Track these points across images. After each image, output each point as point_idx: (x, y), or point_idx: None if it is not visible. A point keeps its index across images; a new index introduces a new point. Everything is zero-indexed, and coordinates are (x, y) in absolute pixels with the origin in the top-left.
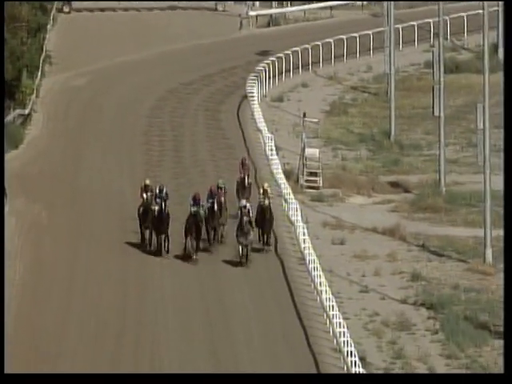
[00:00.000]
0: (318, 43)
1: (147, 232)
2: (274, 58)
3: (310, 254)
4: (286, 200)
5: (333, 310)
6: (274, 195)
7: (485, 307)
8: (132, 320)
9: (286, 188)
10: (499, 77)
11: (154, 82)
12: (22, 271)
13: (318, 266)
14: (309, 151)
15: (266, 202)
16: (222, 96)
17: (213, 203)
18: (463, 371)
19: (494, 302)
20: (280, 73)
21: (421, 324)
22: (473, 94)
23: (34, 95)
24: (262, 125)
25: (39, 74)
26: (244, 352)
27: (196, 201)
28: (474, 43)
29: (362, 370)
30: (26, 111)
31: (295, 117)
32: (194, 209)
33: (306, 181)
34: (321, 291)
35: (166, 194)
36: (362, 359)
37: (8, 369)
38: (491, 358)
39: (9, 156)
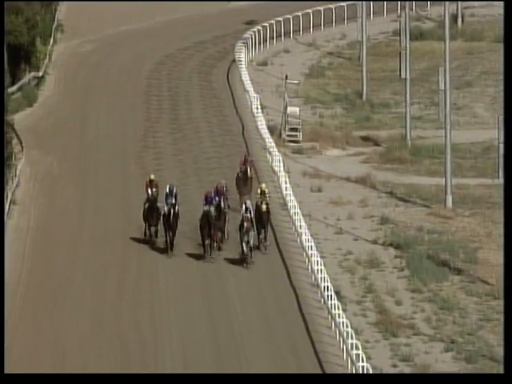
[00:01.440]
0: (299, 14)
1: (152, 229)
2: (259, 27)
3: (291, 201)
4: (269, 152)
5: (311, 249)
6: (272, 195)
7: (445, 247)
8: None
9: (269, 142)
10: (458, 44)
11: (154, 48)
12: (35, 217)
13: (299, 210)
14: (290, 109)
15: (264, 206)
16: (213, 60)
17: (219, 203)
18: (427, 304)
19: (454, 243)
20: (265, 40)
21: (389, 262)
22: (435, 58)
23: (47, 59)
24: (248, 86)
25: (51, 40)
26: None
27: (208, 199)
28: (436, 14)
29: (337, 303)
30: (40, 74)
31: (278, 79)
32: (205, 208)
33: (288, 135)
34: (300, 233)
35: (176, 194)
36: (337, 293)
37: (20, 311)
38: (451, 292)
39: (24, 113)
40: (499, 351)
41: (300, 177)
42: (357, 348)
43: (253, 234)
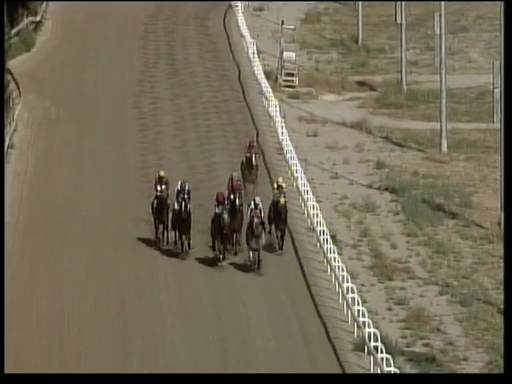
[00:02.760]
0: None
1: (161, 227)
2: None
3: (287, 145)
4: (266, 97)
5: (307, 194)
6: (288, 190)
7: (440, 191)
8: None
9: (266, 87)
10: None
11: None
12: (33, 161)
13: (295, 155)
14: (286, 54)
15: (282, 200)
16: (209, 5)
17: (234, 201)
18: (422, 247)
19: (449, 187)
20: None
21: (384, 206)
22: (430, 4)
23: (45, 4)
24: (245, 31)
25: None
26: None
27: (219, 201)
28: None
29: (333, 247)
30: (38, 18)
31: (274, 24)
32: (218, 210)
33: (284, 80)
34: (296, 177)
35: (189, 191)
36: (332, 237)
37: (19, 255)
38: (446, 236)
39: (22, 58)
40: (494, 294)
41: (296, 122)
42: (352, 292)
43: (263, 238)
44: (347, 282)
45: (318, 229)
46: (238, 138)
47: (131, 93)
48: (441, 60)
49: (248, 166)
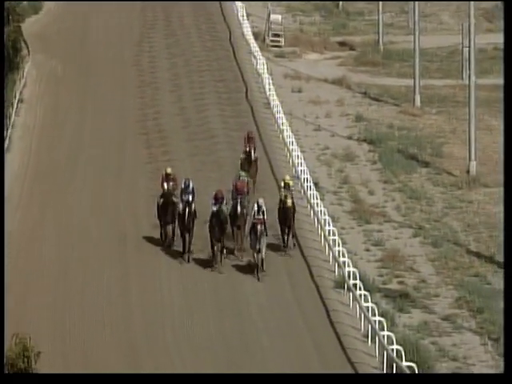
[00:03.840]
0: None
1: (167, 227)
2: None
3: (274, 100)
4: (254, 56)
5: (292, 144)
6: (295, 189)
7: (414, 142)
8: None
9: (254, 47)
10: None
11: None
12: (41, 115)
13: (281, 109)
14: (273, 17)
15: (289, 201)
16: None
17: (240, 200)
18: (397, 193)
19: (422, 138)
20: None
21: (363, 156)
22: None
23: None
24: None
25: None
26: None
27: (218, 199)
28: None
29: (315, 193)
30: None
31: None
32: (215, 208)
33: (271, 41)
34: (282, 130)
35: (193, 189)
36: (315, 184)
37: (27, 199)
38: (419, 183)
39: (30, 20)
40: (462, 236)
41: (282, 78)
42: (333, 234)
43: (265, 239)
44: (329, 225)
45: (302, 177)
46: (229, 93)
47: (131, 52)
48: (414, 22)
49: (247, 162)
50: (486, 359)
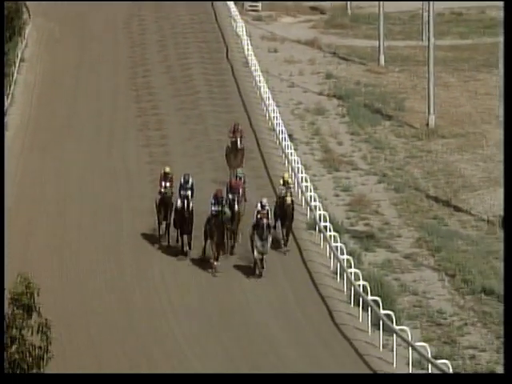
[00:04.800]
0: None
1: (165, 225)
2: None
3: (252, 59)
4: (234, 19)
5: (268, 100)
6: (294, 185)
7: (378, 98)
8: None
9: (234, 11)
10: None
11: None
12: (41, 72)
13: (258, 68)
14: None
15: (289, 199)
16: None
17: (233, 200)
18: (363, 144)
19: (386, 94)
20: None
21: (332, 110)
22: None
23: None
24: None
25: None
26: None
27: (218, 199)
28: None
29: (290, 144)
30: None
31: None
32: (215, 208)
33: (249, 6)
34: (259, 86)
35: (192, 185)
36: (289, 135)
37: (29, 148)
38: (383, 134)
39: None
40: (422, 182)
41: (259, 40)
42: (306, 181)
43: (270, 239)
44: (301, 172)
45: (278, 129)
46: (210, 53)
47: (121, 16)
48: None
49: (233, 151)
50: (443, 293)
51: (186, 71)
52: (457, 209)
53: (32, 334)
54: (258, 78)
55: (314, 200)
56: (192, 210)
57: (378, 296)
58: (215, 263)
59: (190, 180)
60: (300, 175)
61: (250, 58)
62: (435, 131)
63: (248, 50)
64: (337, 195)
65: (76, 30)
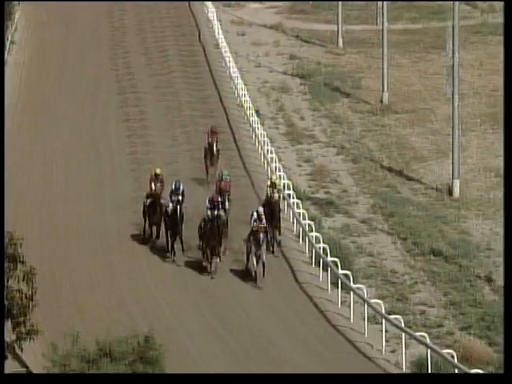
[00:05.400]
0: None
1: (153, 228)
2: None
3: (222, 42)
4: (206, 5)
5: (237, 79)
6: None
7: (337, 77)
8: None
9: None
10: None
11: None
12: (29, 54)
13: (228, 49)
14: None
15: (276, 195)
16: None
17: (223, 203)
18: (323, 119)
19: (344, 74)
20: None
21: (295, 88)
22: None
23: None
24: None
25: None
26: None
27: (214, 203)
28: None
29: (256, 119)
30: None
31: None
32: (211, 212)
33: None
34: (229, 66)
35: (183, 191)
36: (256, 111)
37: (18, 124)
38: (341, 110)
39: None
40: (377, 154)
41: (229, 24)
42: (271, 152)
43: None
44: (267, 145)
45: (246, 105)
46: (184, 36)
47: (104, 4)
48: None
49: (210, 152)
50: (395, 255)
51: (161, 53)
52: (408, 178)
53: (18, 281)
54: (227, 59)
55: (279, 170)
56: (183, 214)
57: (337, 257)
58: (211, 269)
59: (181, 187)
60: (266, 148)
61: (220, 40)
62: (389, 107)
63: (218, 33)
64: (299, 166)
65: (61, 16)
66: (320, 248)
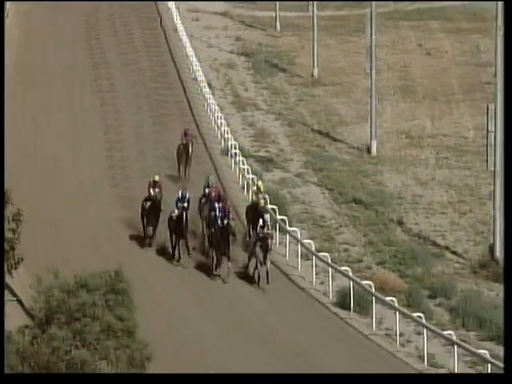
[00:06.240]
0: None
1: (149, 228)
2: None
3: (180, 26)
4: None
5: (192, 57)
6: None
7: (276, 55)
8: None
9: None
10: None
11: None
12: (17, 35)
13: (184, 33)
14: None
15: (262, 201)
16: None
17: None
18: (264, 90)
19: (281, 53)
20: None
21: (241, 64)
22: None
23: None
24: None
25: None
26: None
27: (225, 212)
28: None
29: (209, 90)
30: None
31: None
32: (221, 220)
33: None
34: (185, 46)
35: (188, 199)
36: (208, 84)
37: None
38: (279, 83)
39: None
40: (309, 119)
41: (185, 12)
42: (221, 118)
43: (271, 250)
44: (218, 112)
45: (199, 79)
46: (148, 21)
47: None
48: None
49: (184, 152)
50: (324, 203)
51: (129, 35)
52: (334, 139)
53: (9, 222)
54: (184, 41)
55: (227, 133)
56: (187, 220)
57: (275, 205)
58: (224, 276)
59: (187, 195)
60: (216, 114)
61: (178, 25)
62: (318, 80)
63: (177, 19)
64: (244, 129)
65: (46, 6)
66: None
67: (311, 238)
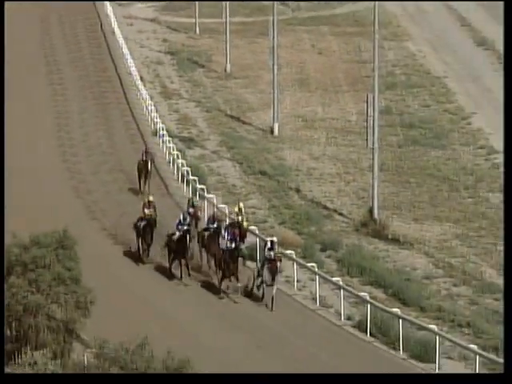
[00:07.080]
0: None
1: (144, 246)
2: None
3: (117, 30)
4: (105, 5)
5: (127, 56)
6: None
7: (196, 54)
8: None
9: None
10: None
11: None
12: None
13: (121, 36)
14: None
15: (246, 223)
16: None
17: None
18: (187, 83)
19: (200, 52)
20: None
21: (167, 62)
22: None
23: None
24: None
25: None
26: None
27: (235, 236)
28: None
29: (141, 83)
30: None
31: None
32: (229, 244)
33: None
34: (121, 47)
35: (189, 223)
36: (141, 78)
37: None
38: (199, 77)
39: None
40: (223, 106)
41: (122, 18)
42: (151, 105)
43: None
44: (148, 100)
45: (133, 73)
46: (91, 26)
47: (32, 4)
48: None
49: (144, 169)
50: (235, 174)
51: (75, 37)
52: (244, 122)
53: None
54: (120, 42)
55: (156, 117)
56: (190, 241)
57: (196, 176)
58: (224, 286)
59: (188, 219)
60: (147, 102)
61: (115, 29)
62: (230, 75)
63: (114, 24)
64: (170, 114)
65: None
66: (184, 170)
67: (225, 203)
